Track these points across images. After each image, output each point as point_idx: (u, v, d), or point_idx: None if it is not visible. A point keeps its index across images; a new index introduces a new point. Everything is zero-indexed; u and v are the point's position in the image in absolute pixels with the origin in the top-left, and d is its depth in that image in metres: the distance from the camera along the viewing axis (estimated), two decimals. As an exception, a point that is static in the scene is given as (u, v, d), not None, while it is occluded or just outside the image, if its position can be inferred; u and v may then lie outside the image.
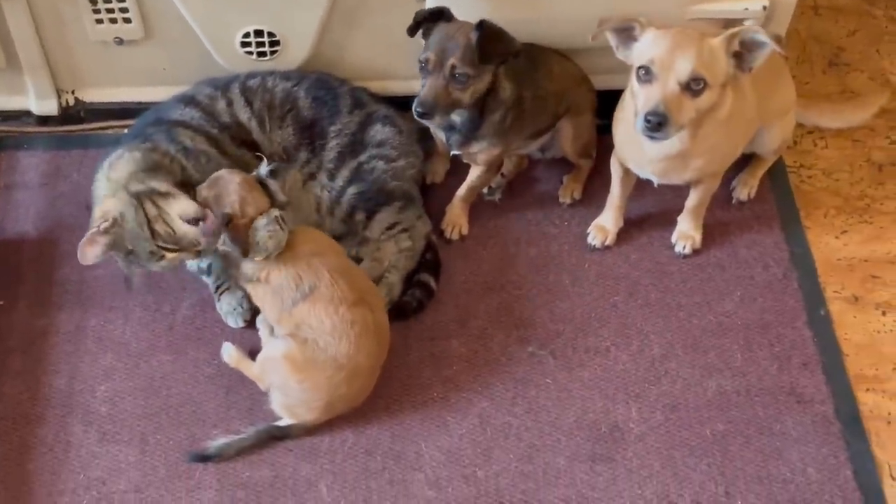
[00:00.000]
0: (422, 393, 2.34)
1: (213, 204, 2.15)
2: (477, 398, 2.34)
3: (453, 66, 2.25)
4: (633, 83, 2.12)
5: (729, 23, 2.58)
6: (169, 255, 2.19)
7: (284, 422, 2.26)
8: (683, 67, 2.04)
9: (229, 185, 2.15)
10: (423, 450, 2.27)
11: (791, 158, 2.79)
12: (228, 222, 2.12)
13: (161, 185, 2.18)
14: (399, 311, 2.44)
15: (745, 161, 2.68)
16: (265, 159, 2.22)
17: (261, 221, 2.13)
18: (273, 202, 2.17)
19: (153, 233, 2.16)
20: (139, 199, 2.16)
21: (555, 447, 2.27)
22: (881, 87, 2.95)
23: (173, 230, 2.16)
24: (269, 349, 2.25)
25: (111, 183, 2.20)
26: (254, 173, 2.19)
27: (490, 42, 2.26)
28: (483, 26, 2.26)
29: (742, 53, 2.09)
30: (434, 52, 2.26)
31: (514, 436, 2.29)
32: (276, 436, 2.26)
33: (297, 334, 2.17)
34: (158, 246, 2.17)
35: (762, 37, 2.04)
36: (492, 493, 2.21)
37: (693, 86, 2.05)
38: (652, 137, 2.09)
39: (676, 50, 2.05)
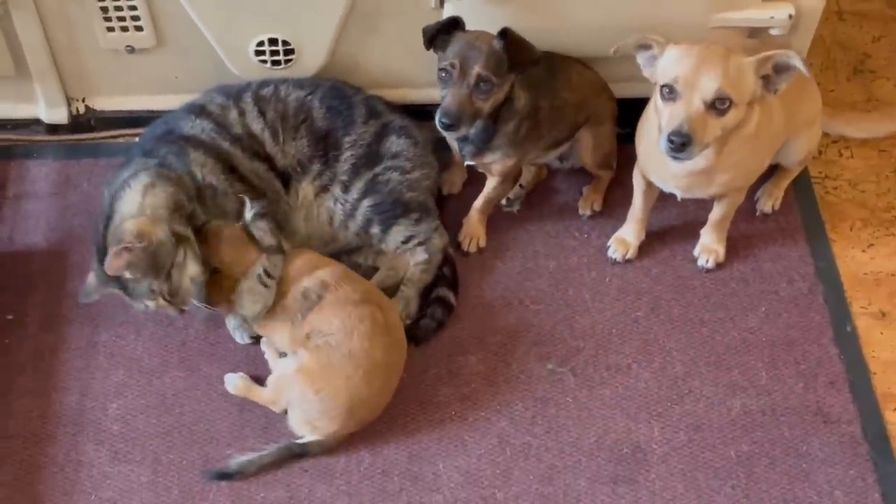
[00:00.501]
0: (439, 411, 2.30)
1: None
2: (496, 417, 2.29)
3: (479, 75, 2.20)
4: (657, 101, 2.06)
5: (753, 31, 2.53)
6: (159, 302, 2.17)
7: (305, 439, 2.21)
8: (709, 86, 1.98)
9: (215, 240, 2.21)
10: (441, 470, 2.22)
11: (816, 169, 2.73)
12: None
13: (192, 238, 2.17)
14: (421, 335, 2.39)
15: (770, 172, 2.62)
16: (247, 202, 2.20)
17: (243, 285, 2.16)
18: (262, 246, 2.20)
19: (168, 276, 2.13)
20: (179, 241, 2.14)
21: (575, 468, 2.22)
22: (908, 95, 2.90)
23: (180, 285, 2.15)
24: (282, 367, 2.22)
25: (147, 209, 2.15)
26: (240, 223, 2.21)
27: (517, 48, 2.22)
28: (507, 33, 2.21)
29: (769, 76, 2.03)
30: (457, 62, 2.21)
31: (534, 456, 2.24)
32: (297, 453, 2.22)
33: (308, 346, 2.16)
34: (159, 290, 2.15)
35: (797, 62, 1.98)
36: (511, 516, 2.17)
37: (718, 105, 2.00)
38: (676, 158, 2.03)
39: (702, 68, 1.99)
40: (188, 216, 2.19)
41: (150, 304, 2.18)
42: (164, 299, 2.16)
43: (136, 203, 2.16)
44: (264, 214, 2.20)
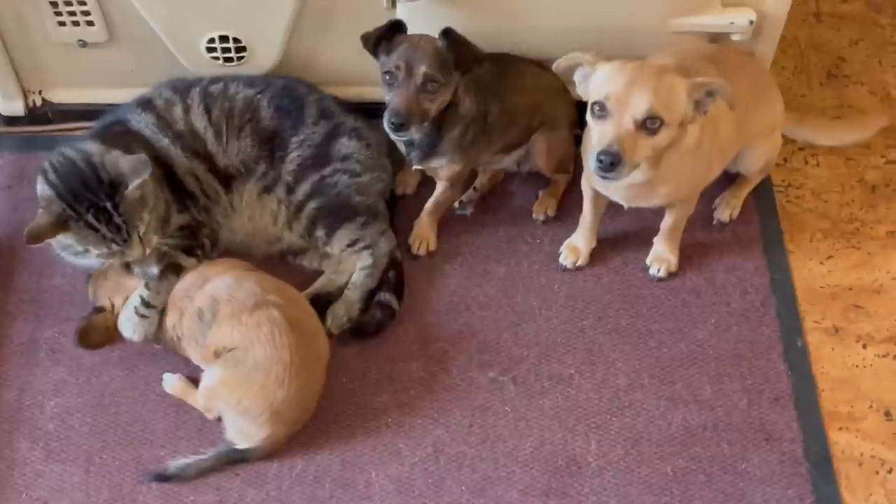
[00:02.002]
0: (376, 418, 2.28)
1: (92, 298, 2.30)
2: (432, 425, 2.27)
3: (425, 74, 2.17)
4: (588, 119, 2.02)
5: (714, 37, 2.48)
6: (110, 251, 2.15)
7: (244, 444, 2.21)
8: (639, 105, 1.94)
9: (98, 280, 2.30)
10: (374, 478, 2.21)
11: (779, 177, 2.68)
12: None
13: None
14: (358, 330, 2.38)
15: (730, 179, 2.58)
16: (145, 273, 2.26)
17: (120, 315, 2.23)
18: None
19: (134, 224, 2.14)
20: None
21: (509, 480, 2.20)
22: (881, 103, 2.83)
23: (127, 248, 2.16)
24: (206, 379, 2.21)
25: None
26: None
27: (460, 48, 2.20)
28: (450, 33, 2.19)
29: (700, 100, 1.99)
30: (402, 62, 2.18)
31: (468, 466, 2.22)
32: (237, 458, 2.21)
33: (218, 361, 2.17)
34: (119, 238, 2.14)
35: (727, 93, 1.96)
36: (440, 527, 2.15)
37: (649, 124, 1.95)
38: (605, 178, 1.99)
39: (633, 87, 1.94)
40: None
41: (97, 253, 2.16)
42: (117, 245, 2.14)
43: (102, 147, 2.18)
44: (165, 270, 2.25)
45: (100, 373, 2.34)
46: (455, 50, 2.19)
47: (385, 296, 2.41)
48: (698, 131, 2.09)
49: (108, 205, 2.11)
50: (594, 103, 1.99)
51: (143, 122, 2.36)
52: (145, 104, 2.40)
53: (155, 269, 2.23)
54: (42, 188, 2.16)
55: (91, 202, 2.11)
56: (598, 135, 1.98)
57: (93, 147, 2.20)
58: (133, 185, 2.11)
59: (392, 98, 2.21)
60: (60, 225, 2.10)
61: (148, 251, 2.19)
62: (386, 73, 2.21)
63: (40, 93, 2.72)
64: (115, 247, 2.14)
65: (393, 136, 2.28)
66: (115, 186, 2.11)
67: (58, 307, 2.43)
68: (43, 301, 2.44)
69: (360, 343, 2.38)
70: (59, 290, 2.45)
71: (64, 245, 2.18)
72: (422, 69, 2.17)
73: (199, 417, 2.26)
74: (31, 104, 2.72)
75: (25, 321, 2.41)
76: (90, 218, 2.11)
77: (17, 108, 2.71)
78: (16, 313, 2.42)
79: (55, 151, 2.22)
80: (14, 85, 2.66)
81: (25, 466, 2.21)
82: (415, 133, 2.26)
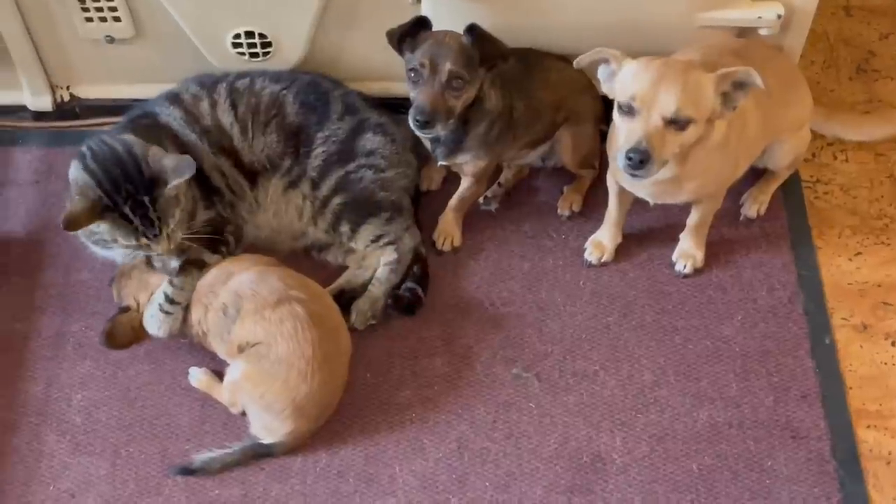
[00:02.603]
0: (400, 413, 2.28)
1: (116, 299, 2.32)
2: (456, 421, 2.27)
3: (450, 71, 2.17)
4: (615, 116, 2.01)
5: (742, 32, 2.46)
6: (138, 243, 2.17)
7: (268, 439, 2.22)
8: (667, 103, 1.92)
9: (121, 280, 2.31)
10: (397, 473, 2.21)
11: (807, 172, 2.65)
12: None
13: None
14: (397, 300, 2.40)
15: (758, 175, 2.55)
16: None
17: (145, 311, 2.25)
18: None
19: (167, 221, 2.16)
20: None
21: (532, 476, 2.20)
22: (911, 97, 2.79)
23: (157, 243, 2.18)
24: (230, 373, 2.22)
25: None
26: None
27: (485, 44, 2.19)
28: (475, 29, 2.18)
29: (728, 92, 1.97)
30: (427, 59, 2.18)
31: (492, 462, 2.22)
32: (262, 453, 2.22)
33: (242, 356, 2.18)
34: (150, 233, 2.15)
35: (757, 80, 1.92)
36: (464, 523, 2.15)
37: (677, 121, 1.93)
38: (634, 175, 1.97)
39: (660, 84, 1.93)
40: None
41: (124, 244, 2.17)
42: (147, 238, 2.15)
43: (142, 142, 2.19)
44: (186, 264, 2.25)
45: (126, 367, 2.35)
46: (480, 46, 2.19)
47: (410, 284, 2.41)
48: (725, 127, 2.08)
49: (146, 199, 2.12)
50: (621, 102, 1.97)
51: (171, 116, 2.37)
52: (173, 98, 2.41)
53: (175, 263, 2.23)
54: (79, 174, 2.16)
55: (129, 194, 2.11)
56: (626, 133, 1.97)
57: (132, 139, 2.20)
58: (173, 184, 2.12)
59: (417, 95, 2.21)
60: (97, 213, 2.11)
61: (172, 247, 2.20)
62: (411, 70, 2.21)
63: (68, 88, 2.74)
64: (143, 240, 2.15)
65: (418, 133, 2.28)
66: (155, 182, 2.12)
67: (85, 301, 2.45)
68: (70, 295, 2.45)
69: (384, 340, 2.38)
70: (86, 284, 2.47)
71: (92, 233, 2.20)
72: (447, 66, 2.17)
73: (224, 411, 2.27)
74: (58, 100, 2.74)
75: (53, 315, 2.43)
76: (126, 209, 2.11)
77: (45, 103, 2.73)
78: (43, 307, 2.44)
79: (94, 138, 2.22)
80: (42, 81, 2.69)
81: (53, 459, 2.23)
82: (440, 130, 2.25)
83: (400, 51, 2.23)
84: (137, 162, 2.13)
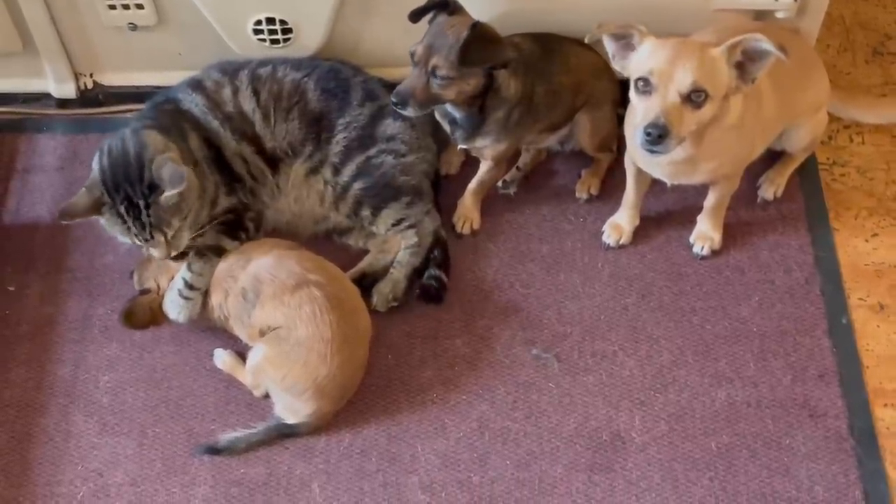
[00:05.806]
0: (421, 394, 2.31)
1: (137, 286, 2.37)
2: (477, 401, 2.30)
3: (435, 66, 2.19)
4: (632, 95, 2.03)
5: (758, 14, 2.48)
6: (149, 240, 2.22)
7: (292, 420, 2.25)
8: (684, 79, 1.94)
9: (142, 265, 2.38)
10: (419, 452, 2.24)
11: (824, 154, 2.67)
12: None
13: None
14: (426, 291, 2.43)
15: (774, 157, 2.57)
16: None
17: (165, 297, 2.30)
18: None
19: (161, 227, 2.20)
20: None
21: (553, 455, 2.23)
22: (927, 79, 2.81)
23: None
24: (252, 356, 2.25)
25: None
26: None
27: (476, 46, 2.17)
28: (475, 29, 2.17)
29: (744, 64, 1.98)
30: (423, 46, 2.20)
31: (513, 441, 2.25)
32: (286, 433, 2.26)
33: (263, 339, 2.21)
34: (142, 236, 2.20)
35: (766, 45, 1.93)
36: (486, 501, 2.17)
37: (694, 97, 1.96)
38: (652, 151, 2.00)
39: (677, 61, 1.95)
40: None
41: (122, 240, 2.24)
42: (139, 240, 2.21)
43: (161, 141, 2.24)
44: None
45: (152, 349, 2.39)
46: (473, 46, 2.16)
47: (434, 271, 2.44)
48: (741, 107, 2.10)
49: (141, 203, 2.17)
50: (638, 79, 2.00)
51: (193, 103, 2.40)
52: (196, 85, 2.44)
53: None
54: (94, 168, 2.24)
55: (127, 195, 2.18)
56: (643, 110, 1.99)
57: (151, 139, 2.24)
58: (168, 193, 2.15)
59: (406, 79, 2.23)
60: (95, 208, 2.19)
61: (174, 254, 2.25)
62: (410, 51, 2.23)
63: (91, 75, 2.78)
64: (138, 241, 2.21)
65: (401, 112, 2.27)
66: (153, 188, 2.17)
67: (110, 285, 2.48)
68: (95, 279, 2.49)
69: (405, 321, 2.41)
70: (111, 268, 2.50)
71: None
72: (433, 61, 2.18)
73: (248, 392, 2.31)
74: (82, 87, 2.78)
75: (79, 299, 2.47)
76: (121, 209, 2.18)
77: (68, 90, 2.77)
78: (69, 291, 2.48)
79: (118, 134, 2.28)
80: (66, 68, 2.72)
81: (81, 439, 2.27)
82: (412, 112, 2.25)
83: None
84: (143, 165, 2.18)
